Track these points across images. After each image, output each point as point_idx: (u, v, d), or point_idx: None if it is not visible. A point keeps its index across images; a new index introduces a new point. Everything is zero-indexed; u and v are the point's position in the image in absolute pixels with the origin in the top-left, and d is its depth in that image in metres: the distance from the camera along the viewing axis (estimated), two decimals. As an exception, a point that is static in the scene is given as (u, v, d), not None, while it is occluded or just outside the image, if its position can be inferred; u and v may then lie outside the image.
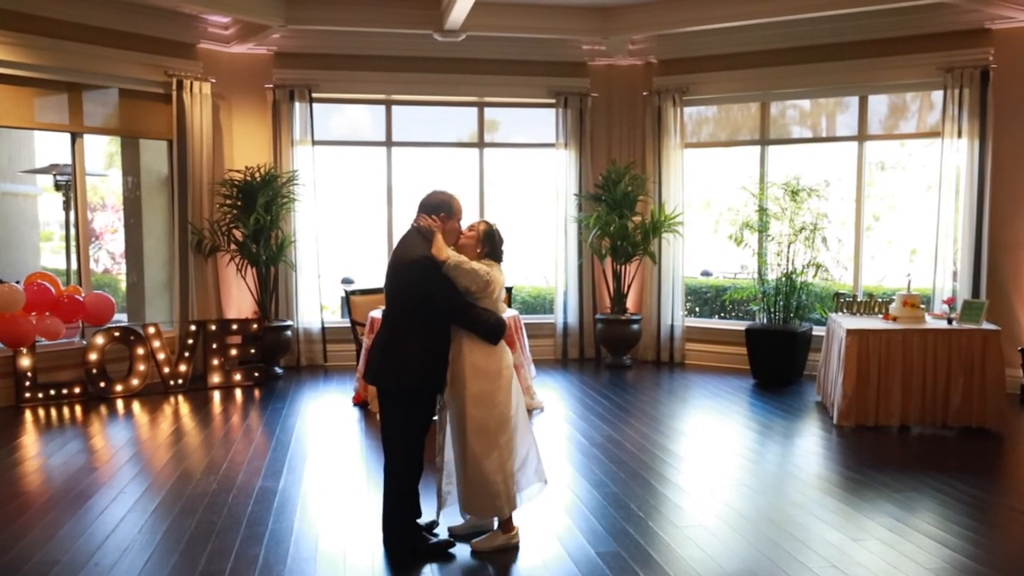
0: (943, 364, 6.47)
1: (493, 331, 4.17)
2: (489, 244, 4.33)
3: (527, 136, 9.94)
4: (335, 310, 10.10)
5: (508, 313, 4.25)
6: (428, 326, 4.16)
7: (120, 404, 7.41)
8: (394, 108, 9.46)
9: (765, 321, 8.51)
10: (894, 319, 6.83)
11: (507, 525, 4.27)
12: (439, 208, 4.23)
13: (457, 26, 8.25)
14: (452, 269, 4.09)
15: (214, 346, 8.05)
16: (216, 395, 7.78)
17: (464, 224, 4.34)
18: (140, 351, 7.76)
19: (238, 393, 7.86)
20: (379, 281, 9.18)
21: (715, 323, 9.69)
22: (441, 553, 4.21)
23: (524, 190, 10.06)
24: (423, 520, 4.37)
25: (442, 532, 4.40)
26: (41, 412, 7.11)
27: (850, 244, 8.54)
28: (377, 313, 7.36)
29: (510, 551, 4.21)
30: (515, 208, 10.10)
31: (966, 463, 5.76)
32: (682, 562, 4.06)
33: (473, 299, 4.16)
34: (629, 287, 9.34)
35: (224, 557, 4.10)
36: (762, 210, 8.42)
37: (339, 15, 8.36)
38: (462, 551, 4.23)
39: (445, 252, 4.11)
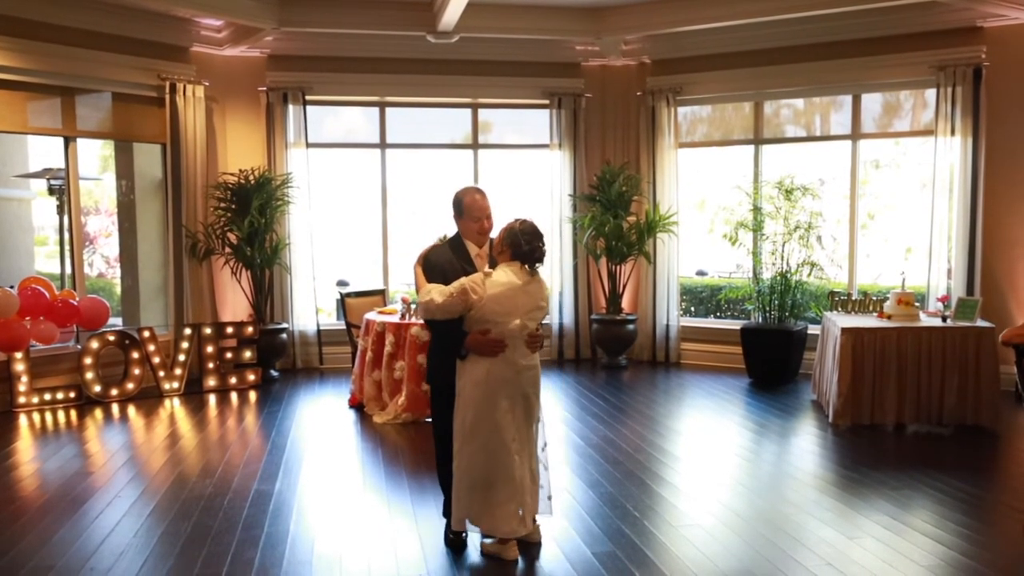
0: (938, 362, 6.47)
1: (444, 342, 4.16)
2: (509, 243, 4.07)
3: (521, 137, 9.93)
4: (330, 312, 10.09)
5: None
6: (434, 326, 4.23)
7: (115, 408, 7.39)
8: (388, 110, 9.45)
9: (760, 320, 8.51)
10: (889, 317, 6.83)
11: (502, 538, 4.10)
12: (453, 208, 4.29)
13: (450, 28, 8.25)
14: (420, 293, 4.08)
15: (209, 349, 8.04)
16: (212, 398, 7.77)
17: (486, 219, 4.26)
18: (135, 355, 7.74)
19: (234, 396, 7.84)
20: (374, 283, 9.30)
21: (710, 323, 9.70)
22: (458, 543, 4.25)
23: (519, 191, 10.03)
24: None
25: None
26: (36, 417, 7.09)
27: (845, 242, 8.56)
28: (372, 315, 7.36)
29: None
30: (510, 209, 10.05)
31: (961, 461, 5.77)
32: (678, 562, 4.06)
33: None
34: (624, 287, 9.34)
35: (220, 561, 4.09)
36: (756, 209, 8.43)
37: (332, 17, 8.35)
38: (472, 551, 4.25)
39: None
